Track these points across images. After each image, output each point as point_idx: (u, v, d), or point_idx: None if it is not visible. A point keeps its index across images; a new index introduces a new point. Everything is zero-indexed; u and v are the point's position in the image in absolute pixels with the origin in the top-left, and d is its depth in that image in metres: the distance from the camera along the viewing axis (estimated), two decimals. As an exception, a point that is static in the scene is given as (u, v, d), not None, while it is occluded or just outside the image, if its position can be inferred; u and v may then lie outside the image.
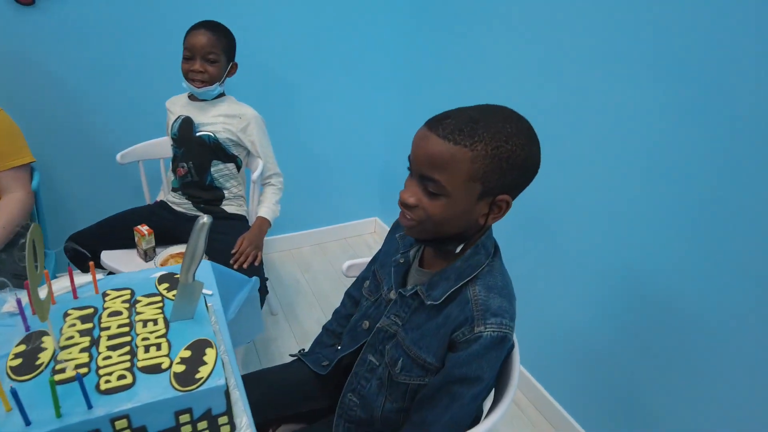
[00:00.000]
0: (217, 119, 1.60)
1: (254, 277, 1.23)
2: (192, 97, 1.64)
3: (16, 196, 1.41)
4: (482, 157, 0.71)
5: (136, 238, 1.59)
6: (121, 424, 0.64)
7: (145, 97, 1.82)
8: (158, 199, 1.81)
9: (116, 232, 1.63)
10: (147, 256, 1.59)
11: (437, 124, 0.74)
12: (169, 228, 1.66)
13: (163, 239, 1.64)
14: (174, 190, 1.72)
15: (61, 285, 0.99)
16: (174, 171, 1.70)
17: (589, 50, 1.32)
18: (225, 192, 1.70)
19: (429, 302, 0.82)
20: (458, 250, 0.83)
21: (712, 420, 1.18)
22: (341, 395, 0.96)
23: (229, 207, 1.71)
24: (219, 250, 1.56)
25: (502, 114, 0.75)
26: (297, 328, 1.99)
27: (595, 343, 1.46)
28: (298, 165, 1.71)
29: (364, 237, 2.70)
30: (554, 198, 1.49)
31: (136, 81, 1.83)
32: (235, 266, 1.49)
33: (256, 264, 1.54)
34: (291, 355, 1.14)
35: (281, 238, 2.44)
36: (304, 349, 1.15)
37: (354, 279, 1.24)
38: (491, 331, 0.76)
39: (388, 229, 2.50)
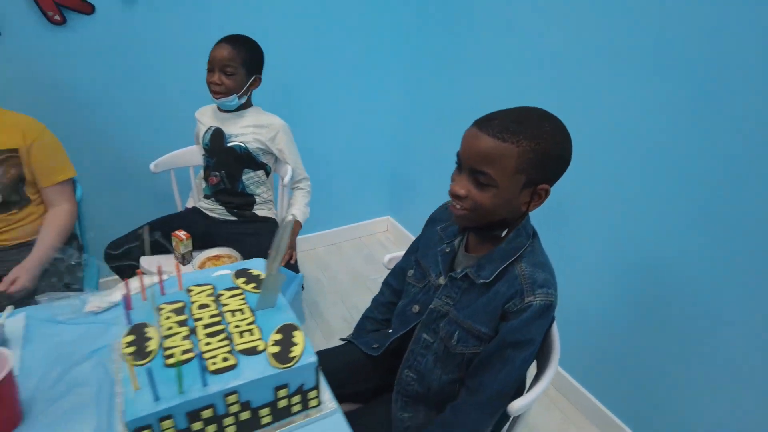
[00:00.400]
0: (247, 130, 1.68)
1: (300, 273, 1.32)
2: (220, 108, 1.71)
3: (64, 208, 1.49)
4: (526, 153, 0.82)
5: (174, 243, 1.66)
6: (232, 398, 0.73)
7: (171, 108, 1.90)
8: (188, 205, 1.89)
9: (154, 238, 1.70)
10: (185, 259, 1.67)
11: (486, 124, 0.84)
12: (204, 232, 1.74)
13: (199, 243, 1.72)
14: (206, 197, 1.80)
15: (131, 285, 1.07)
16: (206, 179, 1.78)
17: (594, 46, 1.44)
18: (256, 197, 1.78)
19: (480, 281, 0.93)
20: (503, 234, 0.93)
21: (720, 387, 1.30)
22: (398, 372, 1.05)
23: (260, 211, 1.79)
24: (252, 251, 1.64)
25: (539, 114, 0.87)
26: (323, 325, 2.07)
27: (609, 323, 1.58)
28: (310, 169, 1.81)
29: (377, 236, 2.80)
30: (570, 187, 1.60)
31: (163, 93, 1.90)
32: None
33: (292, 262, 1.63)
34: (341, 339, 1.23)
35: (298, 240, 2.52)
36: (351, 335, 1.24)
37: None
38: (540, 300, 0.87)
39: (400, 227, 2.63)
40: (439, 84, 2.18)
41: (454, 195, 0.89)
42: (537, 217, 0.99)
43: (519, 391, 1.00)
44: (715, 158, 1.20)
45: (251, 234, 1.70)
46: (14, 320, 0.99)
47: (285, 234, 0.81)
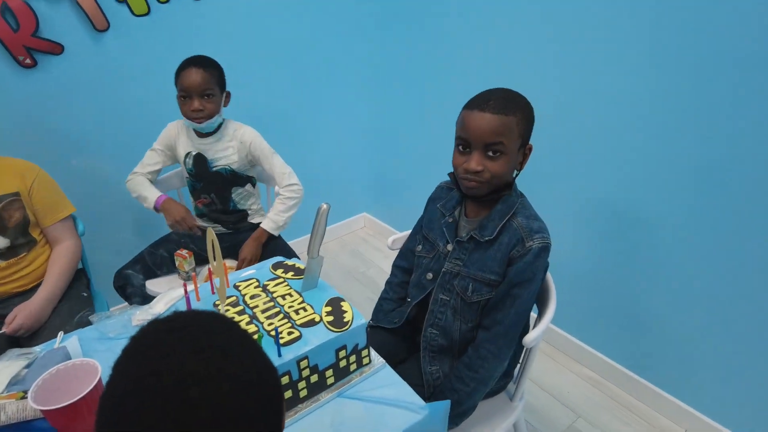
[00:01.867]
0: (228, 151, 1.71)
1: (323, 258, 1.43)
2: (198, 132, 1.71)
3: (68, 245, 1.53)
4: (521, 120, 1.03)
5: (178, 263, 1.74)
6: (303, 364, 0.85)
7: (152, 135, 1.94)
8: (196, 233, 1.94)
9: (156, 261, 1.77)
10: (189, 277, 1.74)
11: (485, 105, 1.02)
12: (204, 248, 1.82)
13: (200, 259, 1.80)
14: (200, 216, 1.86)
15: (171, 296, 1.17)
16: (195, 201, 1.83)
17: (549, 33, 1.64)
18: (247, 210, 1.86)
19: (485, 239, 1.09)
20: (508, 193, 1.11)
21: (688, 310, 1.53)
22: (422, 331, 1.19)
23: (254, 218, 1.88)
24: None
25: (511, 91, 1.08)
26: (324, 320, 2.19)
27: (592, 273, 1.78)
28: None
29: (356, 232, 2.93)
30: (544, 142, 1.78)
31: (141, 121, 1.96)
32: None
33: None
34: None
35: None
36: (371, 321, 1.37)
37: (396, 253, 1.44)
38: (538, 243, 1.06)
39: (377, 221, 2.77)
40: (401, 84, 2.35)
41: (471, 171, 1.05)
42: (521, 181, 1.16)
43: (526, 329, 1.17)
44: (688, 109, 1.35)
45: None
46: (70, 342, 1.06)
47: (322, 220, 0.94)
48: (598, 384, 1.84)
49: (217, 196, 1.78)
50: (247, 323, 0.91)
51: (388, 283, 1.41)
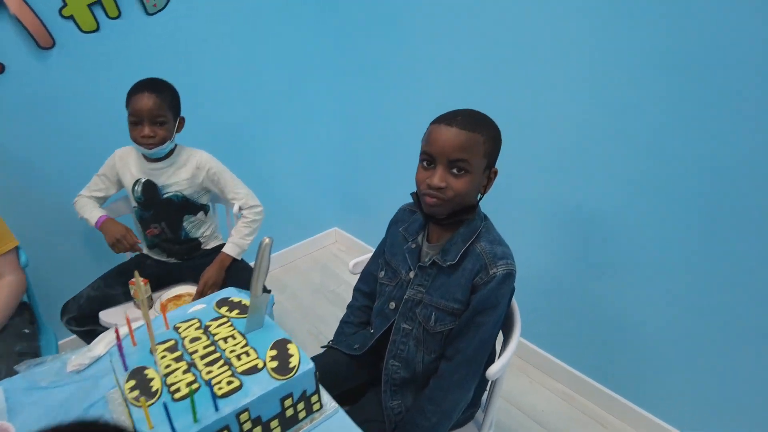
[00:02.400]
0: (179, 177, 1.63)
1: (272, 295, 1.37)
2: (148, 158, 1.62)
3: (8, 280, 1.43)
4: (487, 140, 0.99)
5: (132, 291, 1.65)
6: (244, 416, 0.79)
7: (100, 158, 1.84)
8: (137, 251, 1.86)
9: (109, 290, 1.68)
10: (147, 305, 1.66)
11: (453, 120, 0.99)
12: (159, 275, 1.73)
13: (154, 288, 1.71)
14: (150, 247, 1.77)
15: (112, 336, 1.09)
16: (144, 230, 1.73)
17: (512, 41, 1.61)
18: (200, 239, 1.78)
19: (447, 264, 1.04)
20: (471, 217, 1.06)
21: (660, 324, 1.50)
22: (384, 363, 1.14)
23: (209, 245, 1.80)
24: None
25: (479, 112, 1.05)
26: (293, 343, 2.11)
27: (557, 288, 1.75)
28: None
29: (328, 247, 2.86)
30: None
31: (88, 143, 1.86)
32: None
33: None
34: (322, 347, 1.29)
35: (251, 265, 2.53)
36: (330, 342, 1.31)
37: (359, 275, 1.39)
38: (502, 269, 1.01)
39: (349, 235, 2.71)
40: (364, 97, 2.30)
41: (433, 187, 1.00)
42: (484, 201, 1.11)
43: (491, 359, 1.13)
44: (652, 119, 1.33)
45: (208, 264, 1.70)
46: (-5, 394, 0.97)
47: (265, 255, 0.88)
48: (570, 399, 1.81)
49: (168, 225, 1.70)
50: (184, 372, 0.84)
51: (349, 306, 1.36)
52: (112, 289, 1.69)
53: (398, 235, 1.19)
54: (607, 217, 1.53)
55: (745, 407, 1.38)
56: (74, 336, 1.69)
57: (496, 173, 1.06)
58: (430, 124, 1.03)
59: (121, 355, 0.86)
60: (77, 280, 1.74)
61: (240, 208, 1.71)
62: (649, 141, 1.36)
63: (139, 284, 0.85)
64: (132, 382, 0.83)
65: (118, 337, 0.87)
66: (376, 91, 2.23)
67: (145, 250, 1.79)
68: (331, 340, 1.31)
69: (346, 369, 1.23)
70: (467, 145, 0.97)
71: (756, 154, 1.17)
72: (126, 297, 1.70)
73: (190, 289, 1.71)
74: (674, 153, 1.32)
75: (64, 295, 1.65)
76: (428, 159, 1.01)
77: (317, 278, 2.58)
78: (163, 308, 1.08)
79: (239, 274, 1.71)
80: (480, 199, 1.09)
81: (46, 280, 1.83)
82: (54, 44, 1.70)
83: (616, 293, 1.59)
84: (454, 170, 0.98)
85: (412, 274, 1.11)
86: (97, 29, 1.77)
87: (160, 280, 1.75)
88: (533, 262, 1.78)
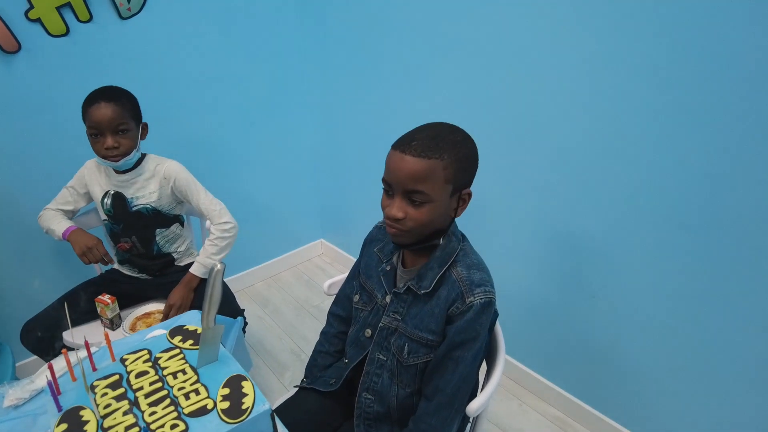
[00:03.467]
0: (148, 189, 1.56)
1: (239, 318, 1.28)
2: (117, 170, 1.54)
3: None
4: (450, 164, 0.87)
5: (99, 309, 1.56)
6: (187, 467, 0.70)
7: (67, 170, 1.75)
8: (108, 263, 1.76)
9: (74, 308, 1.58)
10: (113, 324, 1.56)
11: (407, 146, 0.88)
12: (129, 292, 1.65)
13: (125, 304, 1.63)
14: (121, 263, 1.68)
15: (57, 367, 0.99)
16: (115, 245, 1.64)
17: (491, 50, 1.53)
18: (173, 254, 1.69)
19: (422, 292, 0.96)
20: (440, 241, 0.97)
21: (654, 349, 1.42)
22: (357, 396, 1.05)
23: (183, 261, 1.71)
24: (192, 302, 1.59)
25: (448, 127, 0.93)
26: (272, 363, 2.02)
27: (543, 307, 1.67)
28: (236, 208, 1.72)
29: (313, 260, 2.77)
30: (485, 186, 1.68)
31: (53, 154, 1.77)
32: None
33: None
34: (295, 387, 1.20)
35: (232, 279, 2.44)
36: (304, 380, 1.22)
37: (334, 296, 1.31)
38: (480, 298, 0.91)
39: (335, 247, 2.62)
40: (348, 103, 2.22)
41: (392, 219, 0.91)
42: (460, 221, 1.03)
43: (473, 392, 1.04)
44: (640, 134, 1.27)
45: (179, 282, 1.61)
46: None
47: (216, 283, 0.79)
48: (562, 423, 1.72)
49: (139, 239, 1.61)
50: (125, 413, 0.75)
51: (323, 333, 1.27)
52: (79, 306, 1.59)
53: (373, 256, 1.11)
54: (600, 237, 1.45)
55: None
56: (34, 357, 1.60)
57: (469, 195, 0.95)
58: (391, 147, 0.93)
59: (53, 393, 0.76)
60: (39, 296, 1.64)
61: (210, 220, 1.61)
62: (641, 160, 1.29)
63: (66, 314, 0.76)
64: (63, 426, 0.74)
65: (52, 373, 0.78)
66: (360, 99, 2.15)
67: (115, 265, 1.70)
68: (305, 379, 1.21)
69: (321, 411, 1.13)
70: (424, 174, 0.86)
71: (755, 173, 1.10)
72: (93, 315, 1.60)
73: (161, 306, 1.62)
74: (666, 174, 1.25)
75: (25, 313, 1.55)
76: (387, 186, 0.93)
77: (301, 293, 2.49)
78: (132, 328, 0.99)
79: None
80: (451, 222, 0.99)
81: (6, 296, 1.73)
82: (20, 48, 1.61)
83: (608, 315, 1.51)
84: (414, 199, 0.89)
85: (388, 299, 1.03)
86: (67, 33, 1.68)
87: (131, 297, 1.66)
88: (523, 282, 1.70)
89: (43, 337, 1.52)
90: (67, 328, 1.57)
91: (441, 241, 0.97)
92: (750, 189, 1.12)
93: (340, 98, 2.26)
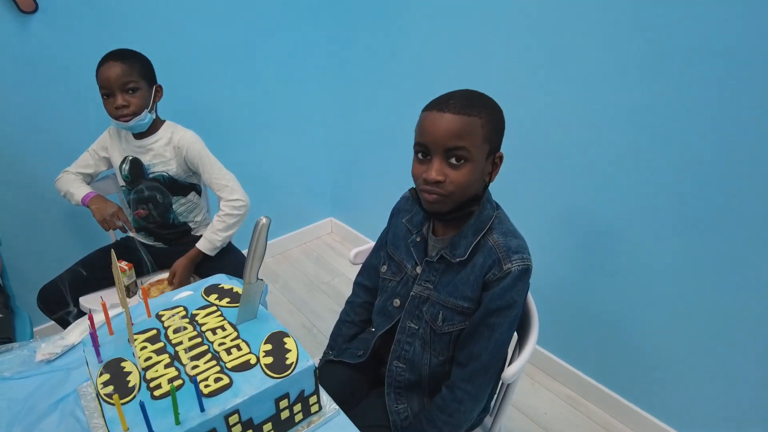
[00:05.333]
0: (164, 156, 1.53)
1: (265, 284, 1.26)
2: (134, 135, 1.52)
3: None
4: (487, 122, 0.87)
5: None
6: (233, 419, 0.69)
7: (83, 132, 1.71)
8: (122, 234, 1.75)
9: (89, 274, 1.57)
10: (129, 291, 1.55)
11: (446, 105, 0.87)
12: (145, 260, 1.63)
13: (139, 272, 1.61)
14: (137, 230, 1.66)
15: (82, 326, 0.98)
16: (132, 212, 1.62)
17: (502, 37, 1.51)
18: (190, 224, 1.67)
19: (456, 260, 0.94)
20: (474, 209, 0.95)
21: (670, 326, 1.42)
22: (387, 365, 1.04)
23: (199, 231, 1.69)
24: (208, 271, 1.57)
25: (477, 92, 0.93)
26: (284, 336, 2.01)
27: (560, 285, 1.67)
28: (244, 180, 1.69)
29: (322, 238, 2.76)
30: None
31: (69, 118, 1.75)
32: None
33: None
34: (322, 359, 1.19)
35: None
36: (329, 351, 1.20)
37: (358, 266, 1.29)
38: (517, 265, 0.90)
39: (345, 226, 2.61)
40: (364, 79, 2.18)
41: (431, 182, 0.88)
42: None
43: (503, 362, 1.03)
44: (673, 115, 1.25)
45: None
46: (-47, 385, 0.87)
47: (261, 237, 0.78)
48: (575, 403, 1.73)
49: (155, 207, 1.58)
50: (166, 366, 0.74)
51: (348, 303, 1.25)
52: (94, 272, 1.58)
53: (402, 227, 1.09)
54: (615, 217, 1.45)
55: (753, 414, 1.31)
56: (51, 323, 1.58)
57: (501, 158, 0.93)
58: (422, 111, 0.91)
59: (95, 344, 0.75)
60: (56, 262, 1.62)
61: (221, 194, 1.58)
62: (660, 143, 1.28)
63: (115, 266, 0.75)
64: (106, 376, 0.73)
65: (92, 324, 0.77)
66: (375, 80, 2.12)
67: (132, 233, 1.68)
68: (330, 350, 1.20)
69: (350, 382, 1.11)
70: (464, 130, 0.85)
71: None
72: (109, 282, 1.59)
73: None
74: (686, 156, 1.25)
75: (41, 278, 1.54)
76: (423, 150, 0.90)
77: (311, 269, 2.48)
78: (145, 293, 0.98)
79: (225, 267, 1.59)
80: (486, 186, 0.97)
81: (22, 261, 1.71)
82: (36, 8, 1.58)
83: (624, 295, 1.51)
84: (453, 160, 0.87)
85: (419, 269, 1.01)
86: (84, -6, 1.65)
87: (146, 266, 1.64)
88: (537, 260, 1.68)
89: (60, 302, 1.51)
90: (83, 293, 1.56)
91: (475, 208, 0.95)
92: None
93: (356, 76, 2.23)
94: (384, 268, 1.12)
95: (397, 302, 1.06)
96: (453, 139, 0.85)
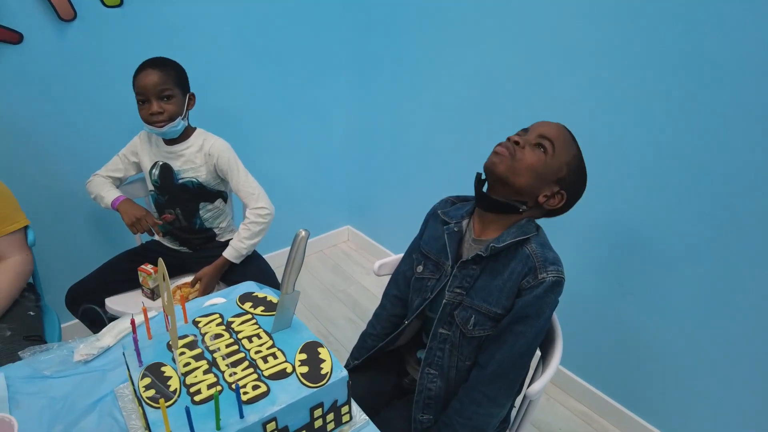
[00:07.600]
0: (194, 163, 1.57)
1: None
2: (165, 140, 1.57)
3: (15, 260, 1.35)
4: (573, 160, 0.98)
5: (141, 278, 1.58)
6: (271, 426, 0.71)
7: (115, 138, 1.76)
8: (148, 237, 1.79)
9: (116, 276, 1.61)
10: (154, 294, 1.58)
11: (554, 123, 1.00)
12: (170, 264, 1.65)
13: (168, 273, 1.64)
14: (163, 234, 1.69)
15: (122, 327, 1.01)
16: (159, 215, 1.66)
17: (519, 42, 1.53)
18: (215, 230, 1.70)
19: (489, 253, 0.96)
20: (521, 209, 0.98)
21: (691, 345, 1.42)
22: (420, 372, 1.05)
23: (224, 237, 1.72)
24: (229, 274, 1.61)
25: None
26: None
27: (579, 291, 1.67)
28: (264, 188, 1.73)
29: (339, 246, 2.78)
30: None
31: (105, 122, 1.80)
32: None
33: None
34: (346, 367, 1.20)
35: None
36: (351, 362, 1.22)
37: (383, 278, 1.30)
38: (552, 275, 0.93)
39: (361, 234, 2.63)
40: (395, 83, 2.19)
41: (512, 141, 0.96)
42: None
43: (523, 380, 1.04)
44: (709, 124, 1.25)
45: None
46: (-6, 381, 0.90)
47: (300, 248, 0.80)
48: (590, 419, 1.73)
49: (182, 212, 1.62)
50: (205, 372, 0.77)
51: (375, 315, 1.26)
52: (120, 274, 1.62)
53: (437, 227, 1.11)
54: (637, 234, 1.45)
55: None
56: (76, 321, 1.62)
57: (562, 198, 0.99)
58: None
59: (136, 348, 0.78)
60: (83, 263, 1.67)
61: (247, 204, 1.61)
62: (690, 155, 1.29)
63: (161, 273, 0.77)
64: (147, 380, 0.75)
65: (134, 329, 0.80)
66: (394, 87, 2.16)
67: (158, 237, 1.72)
68: (351, 357, 1.22)
69: (369, 394, 1.11)
70: (562, 139, 0.97)
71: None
72: (133, 284, 1.62)
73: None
74: (712, 169, 1.25)
75: (69, 279, 1.58)
76: (524, 131, 1.00)
77: (327, 277, 2.50)
78: (183, 299, 1.01)
79: (251, 275, 1.61)
80: (535, 208, 1.00)
81: (51, 261, 1.75)
82: (75, 16, 1.63)
83: (641, 312, 1.51)
84: (540, 149, 0.95)
85: (453, 269, 1.03)
86: (121, 4, 1.70)
87: (170, 269, 1.67)
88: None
89: (87, 302, 1.55)
90: (109, 295, 1.59)
91: (521, 211, 0.98)
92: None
93: (374, 86, 2.27)
94: (420, 269, 1.12)
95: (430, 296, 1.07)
96: (551, 135, 0.96)
